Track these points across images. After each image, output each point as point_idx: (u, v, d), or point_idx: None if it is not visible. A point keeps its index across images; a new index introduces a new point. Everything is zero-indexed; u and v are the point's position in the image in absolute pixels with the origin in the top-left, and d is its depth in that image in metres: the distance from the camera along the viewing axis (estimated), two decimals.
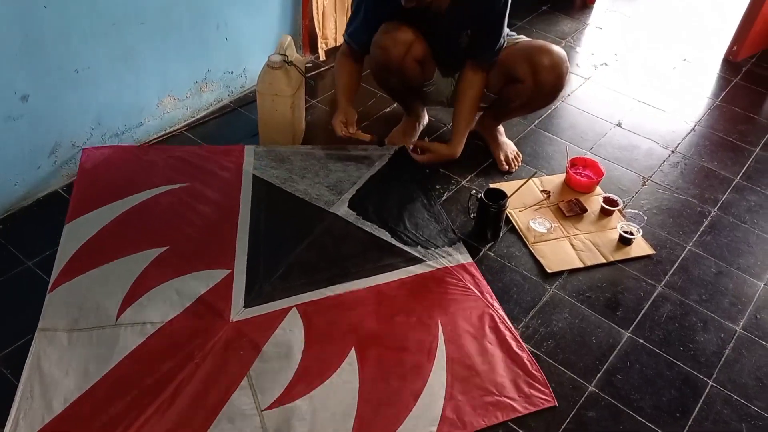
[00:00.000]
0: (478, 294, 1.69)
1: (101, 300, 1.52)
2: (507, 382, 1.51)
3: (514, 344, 1.59)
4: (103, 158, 1.91)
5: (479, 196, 1.86)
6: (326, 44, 2.58)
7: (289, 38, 2.04)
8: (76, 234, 1.68)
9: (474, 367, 1.53)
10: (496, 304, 1.68)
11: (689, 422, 1.50)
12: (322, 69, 2.53)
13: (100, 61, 1.86)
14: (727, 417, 1.52)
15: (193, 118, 2.24)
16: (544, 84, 1.92)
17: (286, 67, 1.94)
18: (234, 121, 2.26)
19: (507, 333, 1.61)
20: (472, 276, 1.75)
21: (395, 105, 2.39)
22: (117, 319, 1.48)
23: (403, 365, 1.50)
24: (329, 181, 1.98)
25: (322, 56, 2.55)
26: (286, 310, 1.57)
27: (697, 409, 1.53)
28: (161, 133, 2.15)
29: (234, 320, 1.52)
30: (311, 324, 1.54)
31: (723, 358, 1.64)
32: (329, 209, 1.88)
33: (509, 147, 2.19)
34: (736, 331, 1.71)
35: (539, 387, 1.51)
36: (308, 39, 2.52)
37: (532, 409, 1.47)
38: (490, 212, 1.84)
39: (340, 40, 2.61)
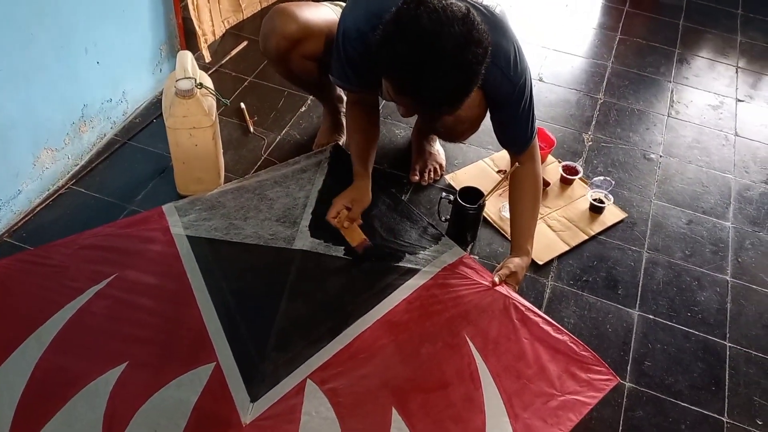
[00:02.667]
0: (489, 286, 1.53)
1: None
2: (562, 375, 1.39)
3: (550, 330, 1.46)
4: None
5: (451, 198, 1.68)
6: (206, 40, 2.19)
7: (189, 54, 1.67)
8: (4, 389, 1.26)
9: (523, 373, 1.38)
10: (512, 293, 1.52)
11: (726, 393, 1.48)
12: (210, 71, 2.15)
13: None
14: (755, 376, 1.52)
15: (78, 166, 1.81)
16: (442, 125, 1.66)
17: (198, 92, 1.59)
18: (128, 159, 1.86)
19: (538, 320, 1.47)
20: (474, 269, 1.59)
21: (311, 99, 2.10)
22: None
23: (453, 405, 1.32)
24: (276, 213, 1.69)
25: (207, 57, 2.17)
26: (302, 386, 1.31)
27: (727, 376, 1.52)
28: (44, 196, 1.72)
29: (248, 422, 1.24)
30: (336, 395, 1.31)
31: (728, 314, 1.64)
32: (293, 247, 1.61)
33: (434, 158, 1.90)
34: (728, 281, 1.72)
35: (595, 368, 1.41)
36: (185, 39, 2.12)
37: (600, 395, 1.37)
38: (468, 215, 1.67)
39: (219, 33, 2.26)
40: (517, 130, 1.55)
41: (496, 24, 1.39)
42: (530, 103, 1.51)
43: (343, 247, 1.62)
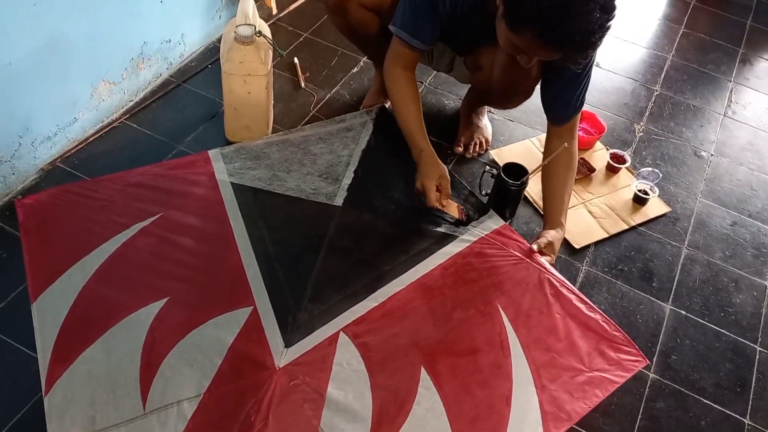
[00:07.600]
0: (526, 259, 1.53)
1: (114, 385, 1.22)
2: (592, 353, 1.39)
3: (583, 307, 1.45)
4: (45, 209, 1.48)
5: (494, 173, 1.68)
6: None
7: (251, 1, 1.68)
8: (48, 312, 1.31)
9: (553, 347, 1.39)
10: (548, 266, 1.52)
11: (751, 396, 1.47)
12: (268, 23, 2.16)
13: (20, 53, 1.45)
14: None
15: (132, 102, 1.85)
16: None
17: (257, 40, 1.60)
18: (181, 100, 1.89)
19: (572, 296, 1.47)
20: (512, 240, 1.58)
21: (363, 60, 2.10)
22: (144, 407, 1.19)
23: (481, 370, 1.34)
24: (319, 168, 1.71)
25: (274, 9, 2.17)
26: (335, 338, 1.34)
27: (754, 379, 1.51)
28: (98, 127, 1.76)
29: (281, 366, 1.28)
30: (368, 349, 1.33)
31: (762, 319, 1.62)
32: (333, 203, 1.62)
33: (481, 131, 1.89)
34: (766, 286, 1.70)
35: (625, 348, 1.41)
36: None
37: (627, 375, 1.38)
38: (510, 191, 1.66)
39: None
40: (569, 92, 1.53)
41: None
42: (590, 70, 1.51)
43: (382, 208, 1.63)
